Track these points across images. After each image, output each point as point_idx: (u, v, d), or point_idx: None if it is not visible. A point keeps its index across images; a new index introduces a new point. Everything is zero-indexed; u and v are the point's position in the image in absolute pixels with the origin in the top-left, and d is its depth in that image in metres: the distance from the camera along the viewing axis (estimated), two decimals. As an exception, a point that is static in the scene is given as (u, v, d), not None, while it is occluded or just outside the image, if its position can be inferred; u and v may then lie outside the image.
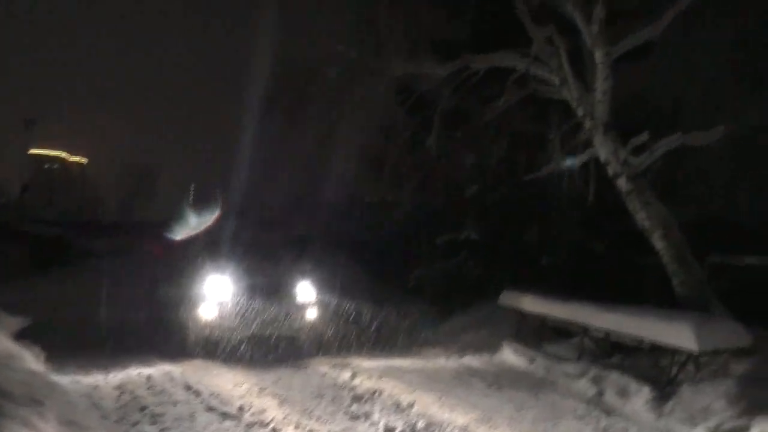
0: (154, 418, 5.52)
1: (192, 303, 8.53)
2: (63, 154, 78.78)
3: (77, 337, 8.49)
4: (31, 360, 6.20)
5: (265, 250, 9.90)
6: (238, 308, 8.44)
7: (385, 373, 7.59)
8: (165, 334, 8.85)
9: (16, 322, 6.91)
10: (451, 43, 11.88)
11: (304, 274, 9.35)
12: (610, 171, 8.46)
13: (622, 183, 8.35)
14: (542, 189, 10.94)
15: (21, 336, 6.87)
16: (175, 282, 9.79)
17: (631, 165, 8.24)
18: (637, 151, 8.31)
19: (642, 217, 8.25)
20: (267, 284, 8.81)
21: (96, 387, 6.45)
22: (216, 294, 8.45)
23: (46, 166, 73.30)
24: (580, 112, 8.68)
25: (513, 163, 10.63)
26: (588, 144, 8.99)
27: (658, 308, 7.56)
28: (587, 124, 8.64)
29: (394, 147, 13.81)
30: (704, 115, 8.92)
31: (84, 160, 79.40)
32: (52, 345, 7.14)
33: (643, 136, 8.20)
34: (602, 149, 8.52)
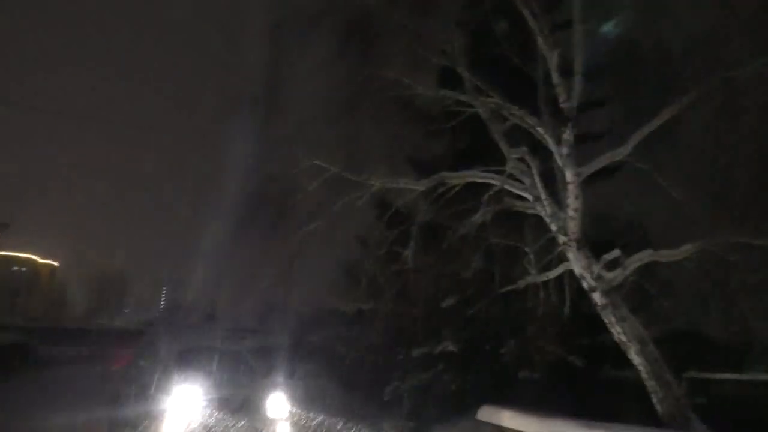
0: None
1: (157, 421, 8.11)
2: (33, 257, 77.22)
3: None
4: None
5: (236, 360, 9.68)
6: (206, 425, 8.04)
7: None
8: None
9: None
10: (428, 160, 12.42)
11: (276, 387, 9.07)
12: (585, 285, 8.63)
13: (597, 297, 8.50)
14: (519, 302, 11.02)
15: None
16: (141, 394, 9.33)
17: (604, 280, 8.43)
18: (610, 266, 8.53)
19: (618, 332, 8.33)
20: (237, 397, 8.50)
21: None
22: (182, 409, 8.08)
23: (14, 269, 71.49)
24: (553, 228, 8.98)
25: (490, 275, 10.75)
26: (562, 258, 9.21)
27: (641, 427, 7.46)
28: (561, 239, 8.91)
29: (371, 258, 13.96)
30: (674, 231, 9.29)
31: (55, 263, 77.88)
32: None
33: (615, 252, 8.47)
34: (576, 264, 8.73)
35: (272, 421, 8.45)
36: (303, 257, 13.84)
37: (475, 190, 9.99)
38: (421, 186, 10.28)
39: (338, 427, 9.80)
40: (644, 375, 8.09)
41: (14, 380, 14.65)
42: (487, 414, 9.51)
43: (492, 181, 9.62)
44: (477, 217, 9.81)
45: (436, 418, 11.11)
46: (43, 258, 76.99)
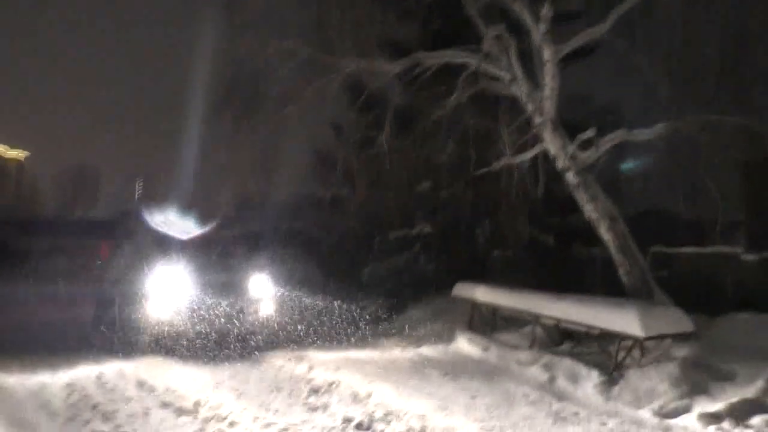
0: (106, 416, 5.41)
1: (142, 300, 8.32)
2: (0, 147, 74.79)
3: (22, 339, 8.11)
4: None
5: (216, 247, 9.80)
6: (190, 304, 8.29)
7: (341, 365, 7.62)
8: (114, 333, 8.60)
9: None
10: (402, 41, 12.02)
11: (256, 270, 9.28)
12: (559, 165, 8.75)
13: (570, 177, 8.65)
14: (493, 184, 11.18)
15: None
16: (123, 280, 9.49)
17: (578, 160, 8.55)
18: (584, 146, 8.62)
19: (589, 210, 8.57)
20: (219, 280, 8.71)
21: (44, 386, 6.25)
22: (167, 290, 8.29)
23: None
24: (529, 108, 8.94)
25: (464, 159, 10.81)
26: (537, 140, 9.26)
27: (605, 297, 7.88)
28: (536, 120, 8.90)
29: (345, 145, 13.87)
30: (646, 112, 9.35)
31: (23, 154, 75.70)
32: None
33: (590, 132, 8.53)
34: (551, 145, 8.80)
35: (255, 301, 8.74)
36: (277, 145, 13.72)
37: (451, 72, 9.79)
38: (396, 67, 10.04)
39: (318, 303, 10.16)
40: (612, 250, 8.43)
41: None
42: (462, 290, 9.95)
43: (468, 61, 9.41)
44: (452, 100, 9.70)
45: (413, 297, 11.56)
46: (11, 148, 74.71)
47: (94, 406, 5.67)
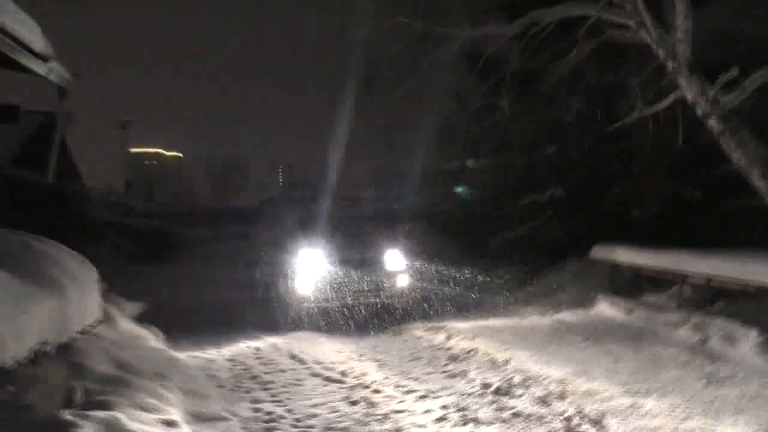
0: (265, 385, 5.92)
1: (290, 280, 8.99)
2: (160, 150, 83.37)
3: (189, 318, 9.08)
4: (152, 339, 6.76)
5: (352, 226, 10.39)
6: (333, 280, 8.86)
7: (479, 333, 7.71)
8: (268, 311, 9.43)
9: (135, 307, 7.53)
10: (516, 1, 11.62)
11: (391, 245, 9.63)
12: (699, 112, 8.08)
13: (713, 123, 7.97)
14: (627, 140, 10.58)
15: (140, 319, 7.50)
16: (273, 262, 10.34)
17: (721, 104, 7.84)
18: (727, 89, 7.88)
19: (737, 158, 7.85)
20: (357, 256, 9.23)
21: (211, 360, 6.95)
22: (311, 268, 8.95)
23: (146, 163, 77.54)
24: (661, 54, 8.32)
25: (591, 117, 10.32)
26: (672, 87, 8.60)
27: (762, 250, 7.25)
28: (669, 65, 8.27)
29: (467, 113, 13.77)
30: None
31: (180, 155, 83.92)
32: (168, 326, 7.69)
33: (733, 72, 7.76)
34: (688, 90, 8.13)
35: (392, 274, 9.19)
36: (402, 120, 13.98)
37: (570, 26, 9.33)
38: (512, 29, 9.75)
39: (452, 274, 10.34)
40: None
41: (165, 262, 16.42)
42: (601, 252, 9.61)
43: (588, 12, 8.92)
44: (573, 56, 9.26)
45: (548, 263, 11.33)
46: (168, 151, 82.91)
47: (254, 377, 6.24)
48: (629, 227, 10.69)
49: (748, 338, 6.55)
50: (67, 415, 2.99)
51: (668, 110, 9.00)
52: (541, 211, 12.27)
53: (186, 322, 8.65)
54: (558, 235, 11.51)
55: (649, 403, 4.92)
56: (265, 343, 7.87)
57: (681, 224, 10.14)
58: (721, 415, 4.59)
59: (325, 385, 5.86)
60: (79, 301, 3.32)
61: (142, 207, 29.61)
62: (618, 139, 10.54)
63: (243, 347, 7.67)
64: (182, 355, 6.74)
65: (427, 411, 4.94)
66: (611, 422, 4.49)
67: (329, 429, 4.56)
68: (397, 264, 9.43)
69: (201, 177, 70.82)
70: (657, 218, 10.74)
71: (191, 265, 15.59)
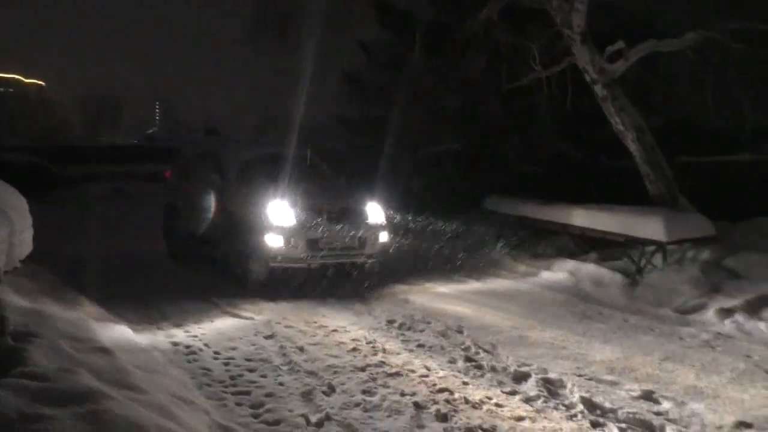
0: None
1: (253, 233, 7.22)
2: (18, 77, 74.54)
3: (120, 279, 7.86)
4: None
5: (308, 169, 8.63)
6: (314, 238, 7.30)
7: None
8: (230, 273, 7.81)
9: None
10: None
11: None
12: (587, 78, 8.88)
13: (599, 89, 8.80)
14: (522, 100, 11.31)
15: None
16: (218, 213, 8.25)
17: (606, 72, 8.66)
18: (613, 58, 8.70)
19: (617, 122, 8.77)
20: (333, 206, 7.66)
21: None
22: (283, 226, 7.13)
23: (1, 90, 68.82)
24: (558, 22, 8.97)
25: (495, 75, 10.90)
26: (566, 53, 9.33)
27: (630, 206, 8.24)
28: (565, 33, 8.95)
29: (375, 64, 13.98)
30: (675, 23, 9.29)
31: (41, 83, 75.50)
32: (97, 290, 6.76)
33: (619, 44, 8.58)
34: (579, 57, 8.89)
35: (375, 228, 7.60)
36: (305, 66, 13.89)
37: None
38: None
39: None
40: (639, 161, 8.69)
41: (50, 201, 14.76)
42: (493, 203, 10.39)
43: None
44: (483, 14, 9.72)
45: (445, 211, 11.98)
46: (28, 78, 74.44)
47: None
48: (524, 181, 11.54)
49: (614, 282, 7.57)
50: (10, 341, 3.08)
51: (561, 74, 9.77)
52: (439, 163, 12.89)
53: (117, 285, 7.49)
54: (457, 186, 12.19)
55: (534, 335, 5.66)
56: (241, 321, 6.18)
57: (567, 180, 11.11)
58: (592, 344, 5.40)
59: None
60: (22, 232, 3.32)
61: (6, 141, 26.63)
62: (515, 99, 11.25)
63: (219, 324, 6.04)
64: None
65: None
66: (502, 351, 5.14)
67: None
68: (379, 216, 7.99)
69: (69, 112, 64.24)
70: (547, 174, 11.68)
71: (89, 208, 14.48)
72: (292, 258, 7.15)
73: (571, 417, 3.80)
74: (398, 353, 5.09)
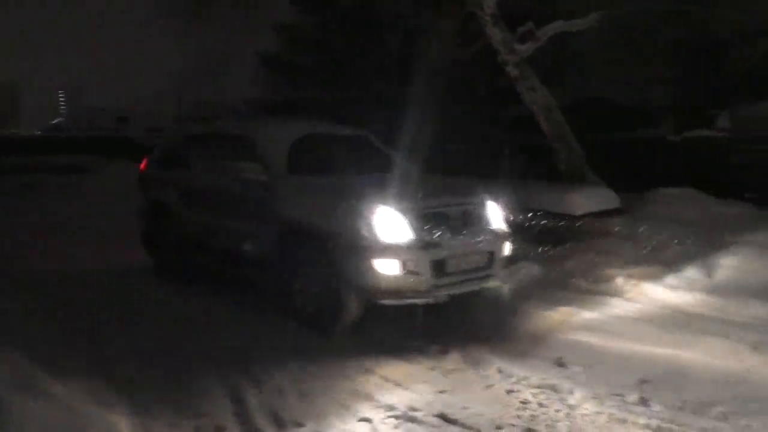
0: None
1: (349, 256, 4.67)
2: None
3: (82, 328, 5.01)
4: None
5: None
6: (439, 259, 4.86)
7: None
8: (287, 308, 5.17)
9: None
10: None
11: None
12: (499, 59, 9.11)
13: (511, 70, 9.06)
14: (442, 81, 11.47)
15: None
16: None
17: (517, 52, 8.92)
18: (523, 39, 8.97)
19: (529, 101, 9.06)
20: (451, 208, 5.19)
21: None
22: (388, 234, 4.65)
23: None
24: (470, 2, 9.13)
25: (416, 56, 10.99)
26: (479, 34, 9.52)
27: (540, 182, 8.59)
28: (478, 14, 9.13)
29: (293, 47, 13.79)
30: (583, 3, 9.66)
31: None
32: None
33: (528, 25, 8.85)
34: (492, 38, 9.10)
35: (501, 237, 5.31)
36: (222, 48, 13.59)
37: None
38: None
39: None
40: (550, 138, 9.03)
41: None
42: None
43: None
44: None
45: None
46: None
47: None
48: (447, 159, 11.73)
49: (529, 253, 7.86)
50: None
51: (477, 54, 9.99)
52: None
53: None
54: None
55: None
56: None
57: (486, 157, 11.40)
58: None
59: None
60: None
61: None
62: (435, 80, 11.39)
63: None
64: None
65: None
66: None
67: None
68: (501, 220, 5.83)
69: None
70: (469, 152, 11.93)
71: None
72: (411, 290, 4.65)
73: None
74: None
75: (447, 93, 12.02)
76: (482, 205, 5.32)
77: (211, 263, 6.16)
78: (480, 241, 5.05)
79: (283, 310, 5.20)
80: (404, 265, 4.58)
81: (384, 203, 4.70)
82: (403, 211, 4.69)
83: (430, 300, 4.71)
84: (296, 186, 5.28)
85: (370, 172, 5.78)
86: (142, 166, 7.48)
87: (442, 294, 4.72)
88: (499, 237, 5.24)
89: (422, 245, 4.64)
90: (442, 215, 4.91)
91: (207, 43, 12.87)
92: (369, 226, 4.61)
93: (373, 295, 4.65)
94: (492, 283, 5.19)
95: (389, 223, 4.63)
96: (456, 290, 4.86)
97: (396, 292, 4.65)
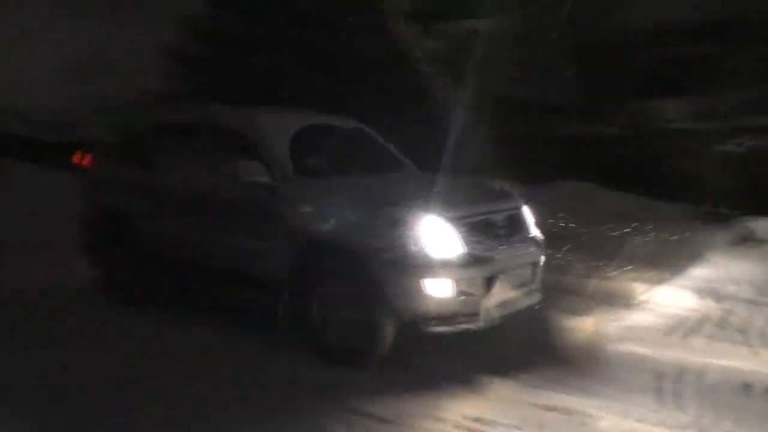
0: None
1: (391, 276, 3.84)
2: None
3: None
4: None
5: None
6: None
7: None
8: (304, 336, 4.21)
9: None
10: None
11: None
12: (413, 57, 9.16)
13: (424, 67, 9.13)
14: (358, 75, 11.33)
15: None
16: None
17: (428, 50, 9.00)
18: (435, 37, 9.06)
19: (442, 98, 9.16)
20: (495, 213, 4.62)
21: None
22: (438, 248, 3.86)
23: None
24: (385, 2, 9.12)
25: (326, 51, 10.76)
26: (392, 32, 9.52)
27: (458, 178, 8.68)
28: (389, 13, 9.13)
29: (197, 37, 13.18)
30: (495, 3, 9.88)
31: None
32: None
33: (441, 25, 8.96)
34: (406, 36, 9.13)
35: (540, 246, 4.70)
36: (118, 40, 12.78)
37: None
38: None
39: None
40: (457, 133, 9.15)
41: None
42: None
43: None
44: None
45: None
46: None
47: None
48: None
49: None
50: None
51: (392, 51, 9.93)
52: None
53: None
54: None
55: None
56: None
57: (413, 154, 11.36)
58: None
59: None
60: None
61: None
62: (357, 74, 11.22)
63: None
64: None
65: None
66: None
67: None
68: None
69: None
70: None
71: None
72: (465, 313, 3.89)
73: None
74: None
75: (363, 89, 11.93)
76: (522, 210, 4.72)
77: (195, 284, 4.95)
78: (528, 252, 4.46)
79: (288, 338, 4.26)
80: (457, 284, 3.82)
81: (431, 211, 3.92)
82: (452, 221, 3.93)
83: (483, 324, 3.95)
84: (310, 190, 4.31)
85: (381, 171, 5.14)
86: (86, 162, 6.08)
87: (497, 316, 4.04)
88: (539, 246, 4.63)
89: (475, 260, 3.92)
90: (488, 224, 4.22)
91: (100, 34, 11.97)
92: (416, 239, 3.79)
93: (421, 321, 3.83)
94: (535, 299, 4.53)
95: (439, 236, 3.85)
96: (509, 310, 4.19)
97: (448, 317, 3.86)
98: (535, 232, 4.64)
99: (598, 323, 4.88)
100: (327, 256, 4.08)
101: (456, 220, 3.91)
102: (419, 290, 3.75)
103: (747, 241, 7.56)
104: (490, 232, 4.13)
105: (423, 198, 4.09)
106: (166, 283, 5.16)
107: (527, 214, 4.69)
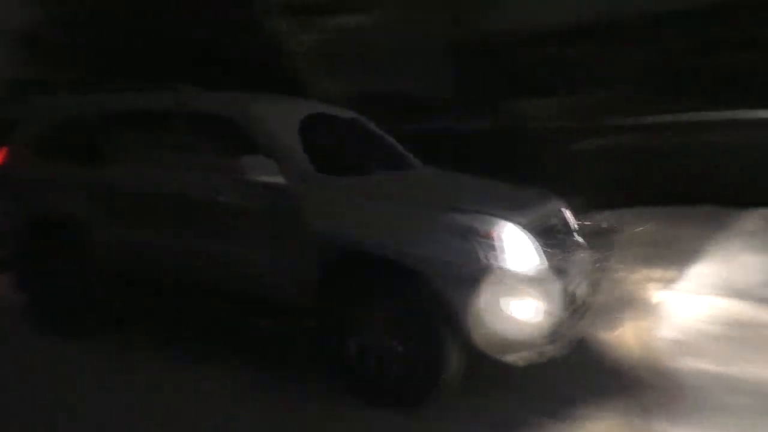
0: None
1: (462, 295, 3.09)
2: None
3: None
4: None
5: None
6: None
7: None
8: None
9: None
10: None
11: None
12: (286, 49, 8.88)
13: (298, 60, 8.87)
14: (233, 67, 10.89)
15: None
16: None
17: (303, 43, 8.75)
18: (309, 30, 8.83)
19: (320, 91, 8.96)
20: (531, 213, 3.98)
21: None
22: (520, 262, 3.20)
23: None
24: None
25: (198, 43, 10.23)
26: (268, 24, 9.18)
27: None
28: (264, 6, 8.81)
29: (53, 21, 12.23)
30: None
31: None
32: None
33: (314, 19, 8.74)
34: (278, 27, 8.82)
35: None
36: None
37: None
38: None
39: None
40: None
41: None
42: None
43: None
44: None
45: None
46: None
47: None
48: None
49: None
50: None
51: (267, 44, 9.58)
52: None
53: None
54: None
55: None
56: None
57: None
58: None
59: None
60: None
61: None
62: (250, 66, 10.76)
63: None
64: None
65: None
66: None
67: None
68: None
69: None
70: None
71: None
72: (547, 336, 3.18)
73: None
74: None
75: (234, 83, 11.46)
76: (565, 214, 4.16)
77: (180, 307, 4.05)
78: (591, 261, 3.85)
79: (311, 373, 3.52)
80: (540, 303, 3.11)
81: (506, 218, 3.21)
82: (527, 228, 3.26)
83: (563, 350, 3.26)
84: (338, 192, 3.48)
85: (398, 168, 4.56)
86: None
87: (574, 338, 3.40)
88: (588, 253, 3.94)
89: (556, 274, 3.25)
90: (552, 229, 3.65)
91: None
92: (491, 251, 3.09)
93: (496, 349, 3.12)
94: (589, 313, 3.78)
95: (517, 246, 3.16)
96: (581, 330, 3.55)
97: (528, 342, 3.13)
98: (580, 238, 4.03)
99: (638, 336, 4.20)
100: (369, 273, 3.33)
101: (529, 227, 3.28)
102: (497, 312, 3.04)
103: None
104: (554, 238, 3.56)
105: (486, 202, 3.43)
106: (131, 306, 4.28)
107: (570, 217, 4.16)
